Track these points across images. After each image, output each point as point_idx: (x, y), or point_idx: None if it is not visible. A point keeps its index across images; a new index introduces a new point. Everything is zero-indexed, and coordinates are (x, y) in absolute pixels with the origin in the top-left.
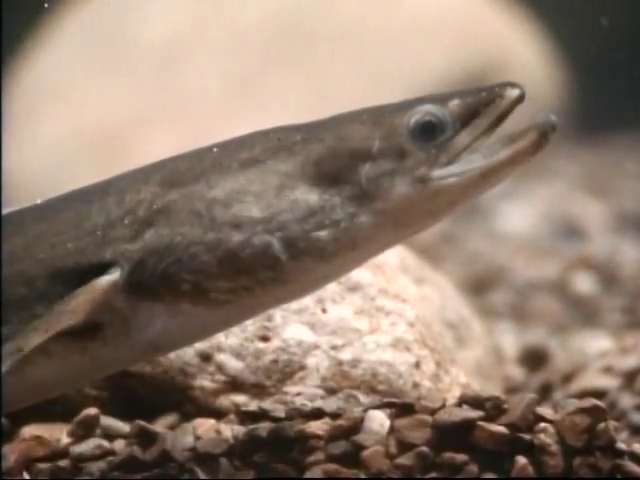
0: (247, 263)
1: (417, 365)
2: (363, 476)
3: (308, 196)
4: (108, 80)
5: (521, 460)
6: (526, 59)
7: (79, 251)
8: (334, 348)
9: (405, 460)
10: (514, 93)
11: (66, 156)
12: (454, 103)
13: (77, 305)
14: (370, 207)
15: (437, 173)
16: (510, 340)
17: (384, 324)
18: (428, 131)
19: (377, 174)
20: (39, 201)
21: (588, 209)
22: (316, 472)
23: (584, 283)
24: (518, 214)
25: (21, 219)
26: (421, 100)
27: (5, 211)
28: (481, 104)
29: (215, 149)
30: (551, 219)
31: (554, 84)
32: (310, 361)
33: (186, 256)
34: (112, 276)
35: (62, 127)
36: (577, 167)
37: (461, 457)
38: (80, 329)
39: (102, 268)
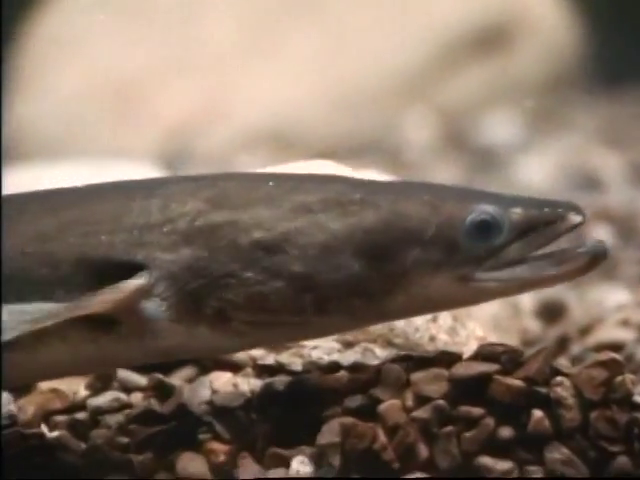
0: (275, 306)
1: (434, 319)
2: (380, 430)
3: (350, 263)
4: (122, 32)
5: (537, 413)
6: (544, 9)
7: (111, 245)
8: None
9: (422, 413)
10: (576, 219)
11: (79, 109)
12: (516, 212)
13: (99, 300)
14: (407, 290)
15: (479, 275)
16: (527, 293)
17: None
18: (484, 232)
19: (423, 261)
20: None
21: (606, 161)
22: (333, 425)
23: (602, 235)
24: (535, 166)
25: (58, 200)
26: (485, 197)
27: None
28: (542, 221)
29: (271, 181)
30: (568, 171)
31: (572, 35)
32: None
33: (218, 285)
34: (140, 281)
35: (75, 80)
36: (594, 119)
37: (477, 410)
38: (97, 321)
39: (131, 268)
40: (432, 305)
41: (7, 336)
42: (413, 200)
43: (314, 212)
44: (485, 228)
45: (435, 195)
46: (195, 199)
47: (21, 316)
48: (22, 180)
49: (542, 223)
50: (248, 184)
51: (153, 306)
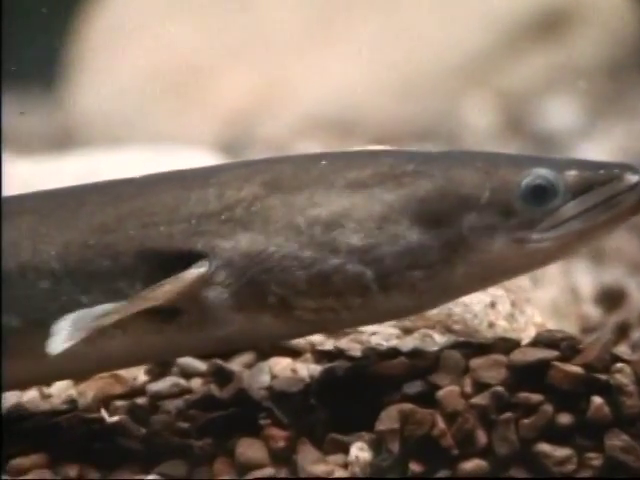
0: (337, 287)
1: (492, 305)
2: (439, 416)
3: (408, 233)
4: (182, 19)
5: (597, 400)
6: None
7: (170, 235)
8: None
9: (480, 400)
10: (633, 179)
11: (139, 96)
12: (571, 174)
13: (162, 292)
14: (465, 257)
15: (536, 236)
16: (587, 280)
17: None
18: (539, 195)
19: (480, 225)
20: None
21: None
22: (392, 412)
23: None
24: (596, 151)
25: (116, 192)
26: (538, 161)
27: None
28: (597, 181)
29: (324, 161)
30: (629, 156)
31: (633, 19)
32: None
33: (278, 268)
34: (201, 270)
35: (136, 67)
36: None
37: (536, 397)
38: (159, 312)
39: (190, 257)
40: (492, 273)
41: (77, 337)
42: (466, 167)
43: (369, 186)
44: (540, 192)
45: (488, 161)
46: (250, 184)
47: (88, 316)
48: (83, 167)
49: (598, 184)
50: (301, 165)
51: (215, 294)
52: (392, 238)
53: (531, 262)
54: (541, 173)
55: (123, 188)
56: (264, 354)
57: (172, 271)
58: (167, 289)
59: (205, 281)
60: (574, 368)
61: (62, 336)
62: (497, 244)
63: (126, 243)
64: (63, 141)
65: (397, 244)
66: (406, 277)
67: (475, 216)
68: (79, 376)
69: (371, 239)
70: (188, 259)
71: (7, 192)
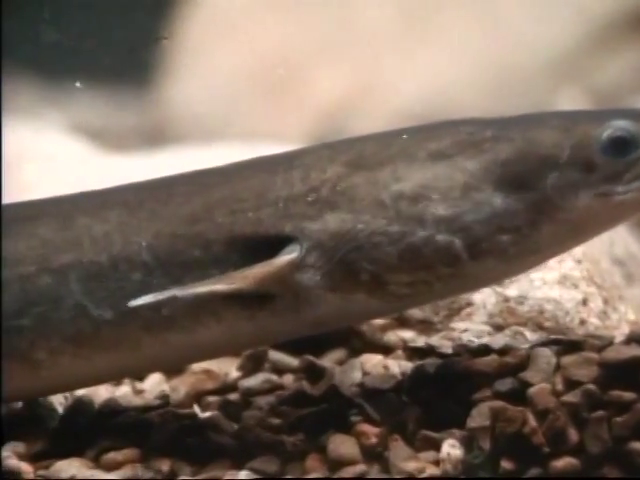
0: (428, 259)
1: (584, 302)
2: (530, 414)
3: (492, 199)
4: (277, 13)
5: None
6: None
7: (259, 221)
8: (500, 285)
9: (572, 398)
10: None
11: (233, 91)
12: None
13: (252, 275)
14: (551, 216)
15: (620, 189)
16: None
17: (551, 261)
18: (619, 147)
19: (563, 184)
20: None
21: None
22: (483, 409)
23: None
24: None
25: (203, 181)
26: (616, 113)
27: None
28: None
29: (403, 135)
30: None
31: None
32: (477, 297)
33: (367, 245)
34: (292, 253)
35: (229, 62)
36: None
37: (629, 395)
38: (251, 298)
39: (280, 241)
40: (580, 231)
41: (159, 297)
42: (544, 127)
43: (450, 156)
44: (621, 143)
45: (565, 119)
46: (334, 164)
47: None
48: (178, 163)
49: None
50: (382, 141)
51: (307, 277)
52: (477, 205)
53: (618, 215)
54: (620, 125)
55: (209, 177)
56: (355, 350)
57: (262, 257)
58: (258, 273)
59: (296, 265)
60: None
61: (145, 298)
62: (582, 201)
63: (216, 231)
64: (157, 137)
65: (482, 211)
66: (495, 243)
67: (557, 175)
68: (173, 367)
69: (456, 208)
70: (277, 243)
71: (102, 186)
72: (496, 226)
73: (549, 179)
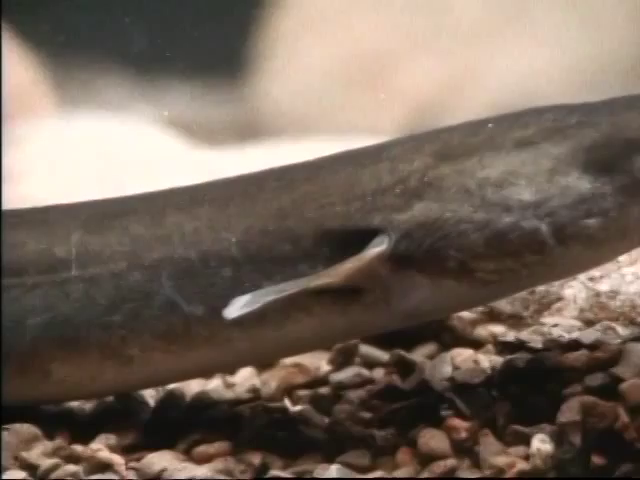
0: (514, 246)
1: None
2: (622, 410)
3: (579, 183)
4: (368, 8)
5: None
6: None
7: (347, 214)
8: (591, 279)
9: None
10: None
11: (325, 86)
12: None
13: (343, 271)
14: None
15: None
16: None
17: None
18: None
19: None
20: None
21: None
22: (573, 404)
23: None
24: None
25: (292, 177)
26: None
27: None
28: None
29: (488, 124)
30: None
31: None
32: (567, 292)
33: (454, 233)
34: (381, 247)
35: (321, 57)
36: None
37: None
38: (342, 292)
39: (369, 234)
40: None
41: (254, 305)
42: (629, 110)
43: (535, 143)
44: None
45: None
46: (421, 155)
47: (267, 291)
48: (268, 157)
49: None
50: (467, 131)
51: (396, 268)
52: (563, 190)
53: None
54: None
55: (298, 172)
56: (446, 345)
57: (351, 250)
58: (348, 268)
59: (386, 256)
60: None
61: (239, 304)
62: None
63: (305, 226)
64: (251, 132)
65: (569, 195)
66: (582, 228)
67: None
68: (264, 362)
69: (542, 193)
70: (368, 236)
71: (194, 181)
72: (583, 211)
73: (636, 162)
